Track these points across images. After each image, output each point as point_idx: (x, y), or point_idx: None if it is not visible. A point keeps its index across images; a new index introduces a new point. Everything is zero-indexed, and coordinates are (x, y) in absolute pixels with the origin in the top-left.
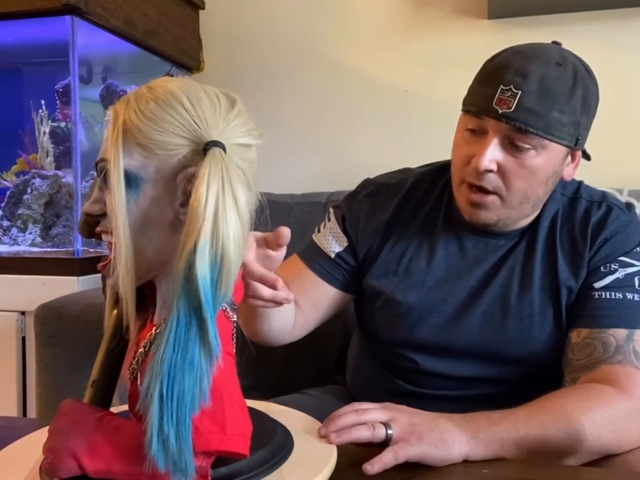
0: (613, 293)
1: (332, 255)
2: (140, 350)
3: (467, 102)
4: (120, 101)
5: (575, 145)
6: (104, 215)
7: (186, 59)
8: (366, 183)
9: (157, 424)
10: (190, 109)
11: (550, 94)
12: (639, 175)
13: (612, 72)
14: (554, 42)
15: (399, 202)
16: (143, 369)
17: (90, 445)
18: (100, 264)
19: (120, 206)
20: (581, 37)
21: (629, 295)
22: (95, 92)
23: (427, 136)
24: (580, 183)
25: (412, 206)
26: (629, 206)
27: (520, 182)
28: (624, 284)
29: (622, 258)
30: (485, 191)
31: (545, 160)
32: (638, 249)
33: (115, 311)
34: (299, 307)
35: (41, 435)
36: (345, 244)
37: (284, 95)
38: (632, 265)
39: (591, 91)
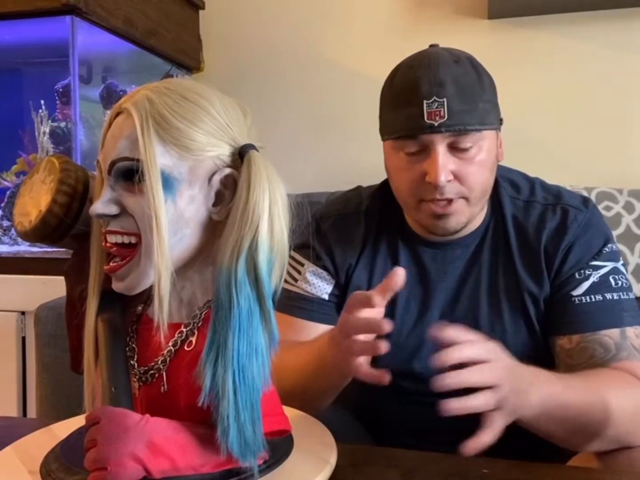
0: (593, 296)
1: (326, 297)
2: (168, 348)
3: (392, 130)
4: (135, 99)
5: (500, 126)
6: (116, 216)
7: (186, 59)
8: (322, 215)
9: (234, 413)
10: (221, 111)
11: (467, 90)
12: (639, 175)
13: (612, 72)
14: (432, 46)
15: (364, 232)
16: (180, 367)
17: (150, 446)
18: (110, 265)
19: (160, 207)
20: (581, 37)
21: (608, 296)
22: (95, 92)
23: None
24: (534, 183)
25: (375, 234)
26: (586, 201)
27: (477, 178)
28: (601, 285)
29: (593, 262)
30: (449, 200)
31: (487, 150)
32: (605, 249)
33: (102, 316)
34: None
35: (41, 435)
36: (331, 279)
37: (283, 95)
38: (604, 266)
39: (487, 72)
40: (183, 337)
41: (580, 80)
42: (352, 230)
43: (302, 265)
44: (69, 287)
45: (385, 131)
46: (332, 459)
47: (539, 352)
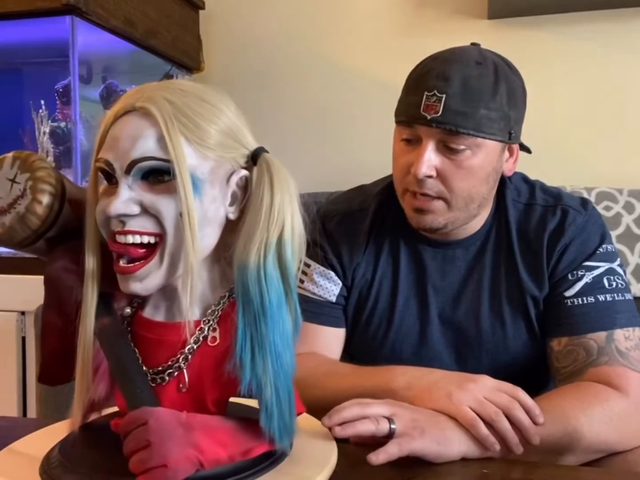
0: (585, 298)
1: (334, 299)
2: (189, 346)
3: (398, 113)
4: (150, 99)
5: (510, 140)
6: (135, 216)
7: (186, 59)
8: (327, 214)
9: (276, 400)
10: (235, 114)
11: (474, 92)
12: (639, 175)
13: (612, 72)
14: (473, 44)
15: (368, 230)
16: (203, 363)
17: (200, 439)
18: (124, 266)
19: (192, 205)
20: (581, 37)
21: (601, 297)
22: (95, 92)
23: None
24: (534, 186)
25: (378, 231)
26: (585, 203)
27: (462, 183)
28: (594, 287)
29: (586, 263)
30: (429, 197)
31: (483, 158)
32: (600, 249)
33: (102, 320)
34: None
35: (41, 435)
36: (338, 281)
37: (284, 95)
38: (598, 267)
39: (515, 84)
40: (205, 334)
41: (580, 80)
42: (358, 228)
43: (309, 266)
44: (54, 293)
45: (395, 113)
46: (332, 459)
47: (539, 354)
